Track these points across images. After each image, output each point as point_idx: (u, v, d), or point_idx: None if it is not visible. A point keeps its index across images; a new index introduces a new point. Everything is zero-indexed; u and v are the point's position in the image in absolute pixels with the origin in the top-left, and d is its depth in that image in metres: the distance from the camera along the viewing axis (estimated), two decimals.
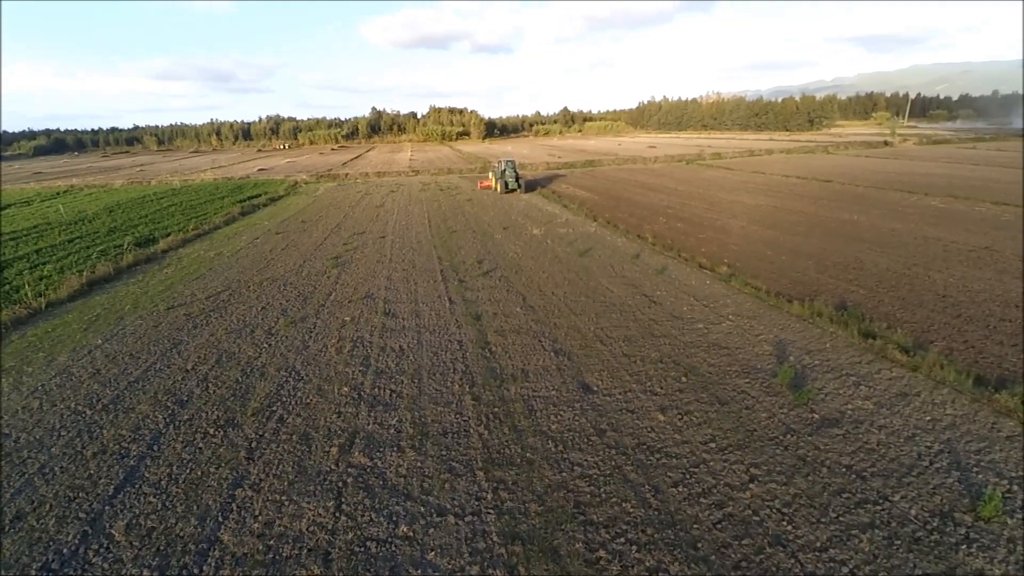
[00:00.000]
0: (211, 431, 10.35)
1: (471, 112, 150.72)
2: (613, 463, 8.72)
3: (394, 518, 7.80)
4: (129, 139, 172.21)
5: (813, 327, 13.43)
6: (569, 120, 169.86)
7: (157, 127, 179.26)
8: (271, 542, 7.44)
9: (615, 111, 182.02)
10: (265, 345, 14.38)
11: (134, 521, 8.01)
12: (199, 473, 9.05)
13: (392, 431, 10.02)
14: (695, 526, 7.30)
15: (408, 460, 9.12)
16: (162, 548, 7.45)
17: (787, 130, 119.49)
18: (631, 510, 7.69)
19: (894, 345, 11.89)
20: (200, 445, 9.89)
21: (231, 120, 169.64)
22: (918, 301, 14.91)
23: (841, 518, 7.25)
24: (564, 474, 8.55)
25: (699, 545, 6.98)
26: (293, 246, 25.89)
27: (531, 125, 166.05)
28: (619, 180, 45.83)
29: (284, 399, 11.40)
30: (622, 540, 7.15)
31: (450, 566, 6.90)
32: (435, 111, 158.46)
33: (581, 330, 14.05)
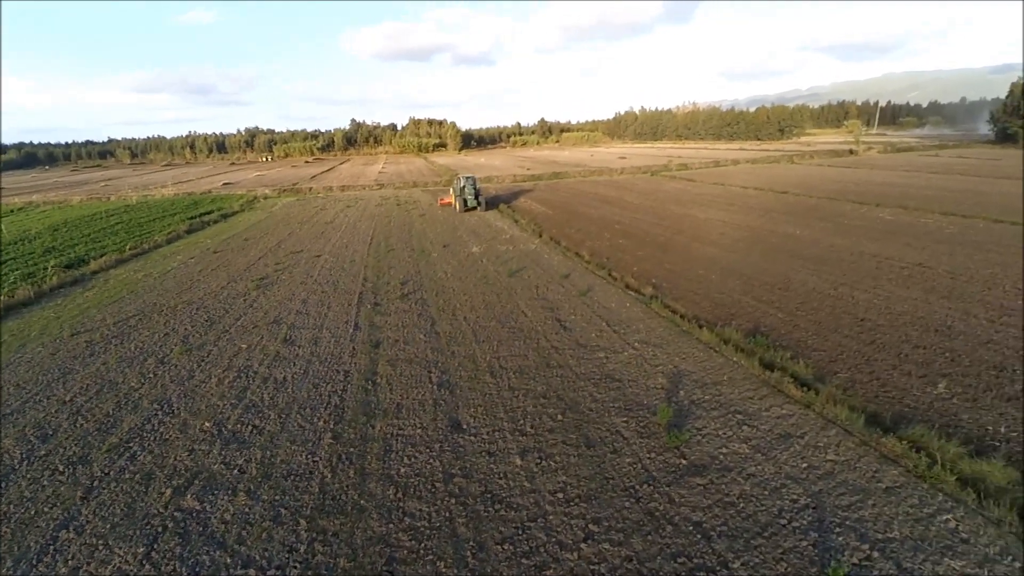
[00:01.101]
0: (61, 468, 9.90)
1: (450, 123, 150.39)
2: (447, 514, 7.94)
3: (197, 568, 7.21)
4: (102, 152, 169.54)
5: (718, 356, 12.75)
6: (546, 131, 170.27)
7: (134, 140, 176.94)
8: None
9: (593, 121, 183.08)
10: (151, 375, 13.67)
11: None
12: (32, 512, 8.67)
13: (235, 472, 9.41)
14: None
15: (237, 505, 8.54)
16: None
17: (758, 139, 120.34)
18: (444, 570, 6.88)
19: (791, 378, 11.22)
20: (44, 483, 9.41)
21: (209, 133, 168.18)
22: (834, 325, 14.30)
23: None
24: (391, 525, 7.80)
25: None
26: (224, 266, 24.94)
27: (509, 136, 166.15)
28: (579, 193, 45.32)
29: (145, 434, 10.85)
30: None
31: None
32: (414, 122, 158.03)
33: (477, 360, 13.26)
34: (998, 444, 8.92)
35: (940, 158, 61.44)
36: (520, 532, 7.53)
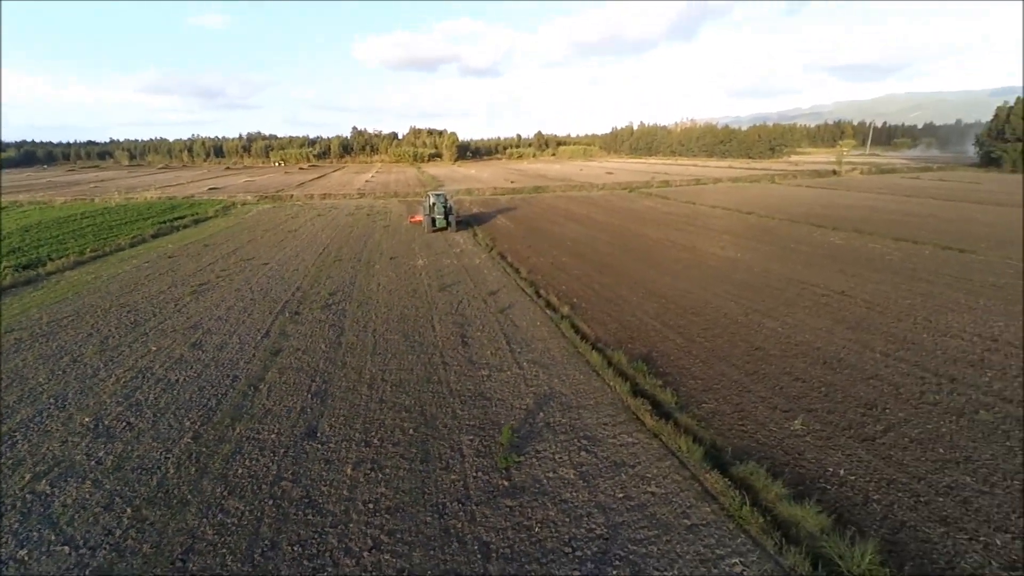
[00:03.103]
0: None
1: (450, 134, 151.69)
2: (259, 514, 8.33)
3: (25, 542, 8.04)
4: (102, 153, 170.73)
5: (596, 380, 12.96)
6: (543, 144, 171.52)
7: (136, 141, 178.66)
8: None
9: (591, 135, 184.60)
10: (60, 372, 14.18)
11: None
12: None
13: (93, 463, 10.03)
14: None
15: (82, 492, 9.21)
16: None
17: (749, 157, 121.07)
18: (229, 563, 7.28)
19: (651, 406, 11.39)
20: None
21: (212, 136, 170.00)
22: (726, 353, 14.49)
23: None
24: (204, 520, 8.37)
25: None
26: (171, 272, 25.32)
27: (505, 148, 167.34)
28: (550, 209, 45.75)
29: (32, 426, 11.42)
30: None
31: None
32: (414, 132, 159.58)
33: (362, 372, 13.54)
34: (828, 487, 8.88)
35: (920, 181, 61.75)
36: (316, 536, 7.79)
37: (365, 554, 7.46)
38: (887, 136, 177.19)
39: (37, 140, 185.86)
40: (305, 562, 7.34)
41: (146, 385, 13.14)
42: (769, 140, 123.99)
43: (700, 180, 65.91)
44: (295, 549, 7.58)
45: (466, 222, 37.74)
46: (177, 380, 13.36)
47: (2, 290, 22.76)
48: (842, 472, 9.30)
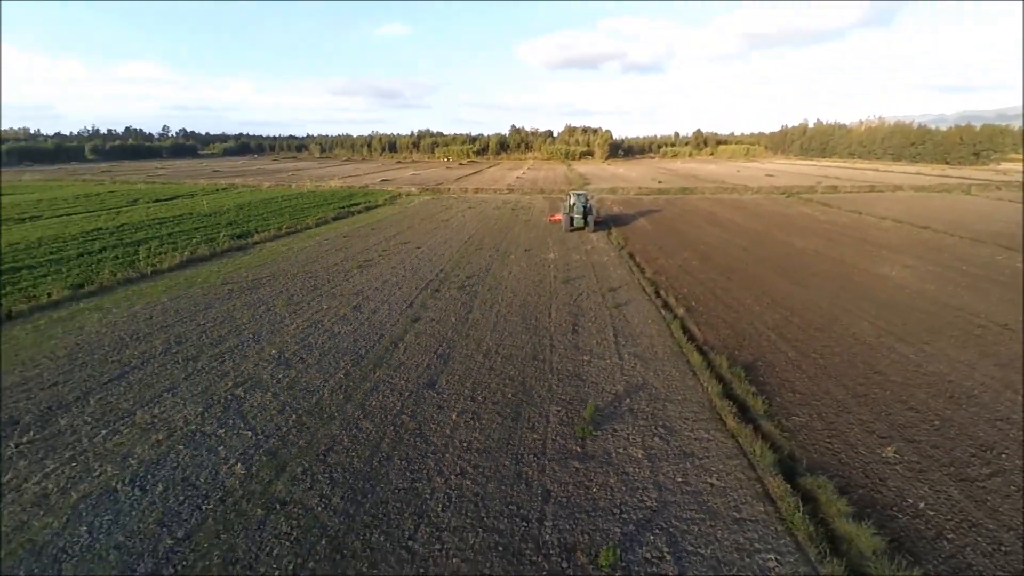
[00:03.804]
0: (180, 361, 14.63)
1: (603, 132, 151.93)
2: (381, 434, 10.57)
3: (222, 426, 10.62)
4: (299, 146, 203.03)
5: (692, 379, 13.51)
6: (701, 142, 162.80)
7: (326, 136, 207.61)
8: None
9: (756, 134, 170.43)
10: (257, 317, 18.58)
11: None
12: (154, 382, 12.99)
13: (274, 381, 13.11)
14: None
15: (264, 399, 12.17)
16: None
17: (946, 163, 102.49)
18: (355, 464, 9.54)
19: (734, 409, 11.73)
20: (168, 368, 13.85)
21: (388, 132, 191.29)
22: (838, 373, 13.91)
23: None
24: (343, 432, 10.65)
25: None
26: (344, 248, 30.30)
27: (659, 147, 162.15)
28: (692, 211, 44.62)
29: (235, 351, 15.21)
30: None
31: None
32: (569, 130, 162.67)
33: (481, 343, 15.67)
34: (899, 516, 8.71)
35: None
36: (420, 458, 9.96)
37: (453, 477, 9.38)
38: None
39: (251, 133, 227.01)
40: (408, 473, 9.48)
41: (316, 333, 16.68)
42: (974, 143, 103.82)
43: (876, 187, 58.51)
44: (402, 463, 9.78)
45: (604, 223, 37.62)
46: (339, 332, 16.72)
47: (223, 252, 29.35)
48: (922, 505, 8.97)
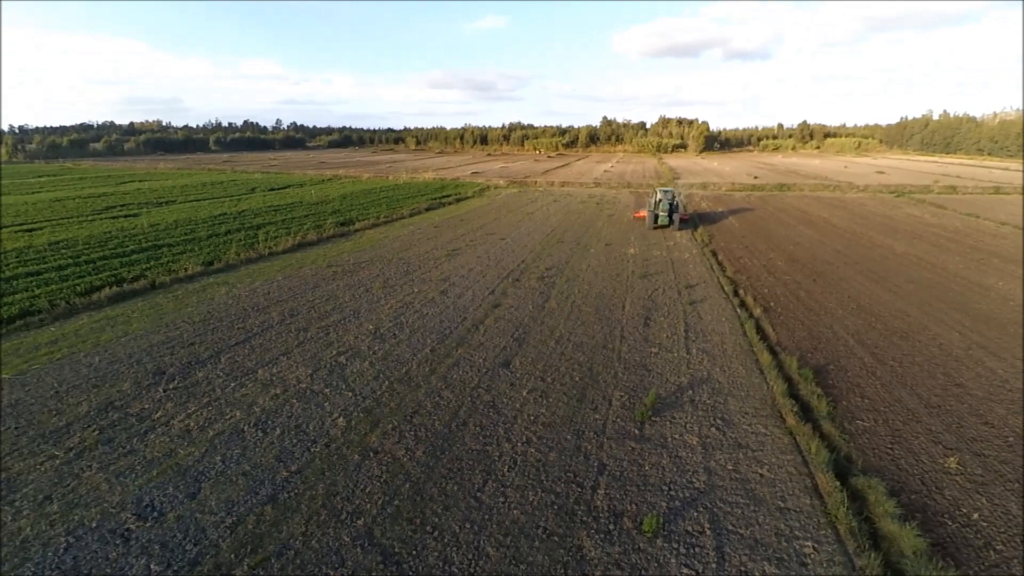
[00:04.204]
0: (293, 331, 16.80)
1: (700, 123, 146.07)
2: (457, 405, 12.04)
3: (327, 386, 12.66)
4: (396, 139, 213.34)
5: (758, 376, 13.81)
6: (807, 135, 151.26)
7: (421, 129, 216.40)
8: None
9: (870, 126, 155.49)
10: (357, 296, 20.76)
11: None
12: (272, 348, 15.32)
13: (371, 353, 14.97)
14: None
15: (362, 367, 14.05)
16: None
17: None
18: (437, 427, 11.07)
19: (796, 408, 11.99)
20: (284, 337, 16.30)
21: (480, 125, 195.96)
22: (914, 382, 13.54)
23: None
24: (425, 401, 12.21)
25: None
26: (435, 238, 32.55)
27: (759, 139, 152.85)
28: (785, 209, 42.64)
29: (338, 325, 17.34)
30: None
31: None
32: (663, 121, 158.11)
33: (554, 330, 16.77)
34: (949, 523, 8.78)
35: None
36: (491, 426, 11.32)
37: (519, 445, 10.63)
38: None
39: (352, 127, 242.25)
40: (481, 438, 10.86)
41: (408, 313, 18.60)
42: None
43: (1002, 188, 52.20)
44: (476, 429, 11.19)
45: (690, 220, 36.90)
46: (427, 313, 18.54)
47: (329, 238, 32.57)
48: (976, 516, 8.92)
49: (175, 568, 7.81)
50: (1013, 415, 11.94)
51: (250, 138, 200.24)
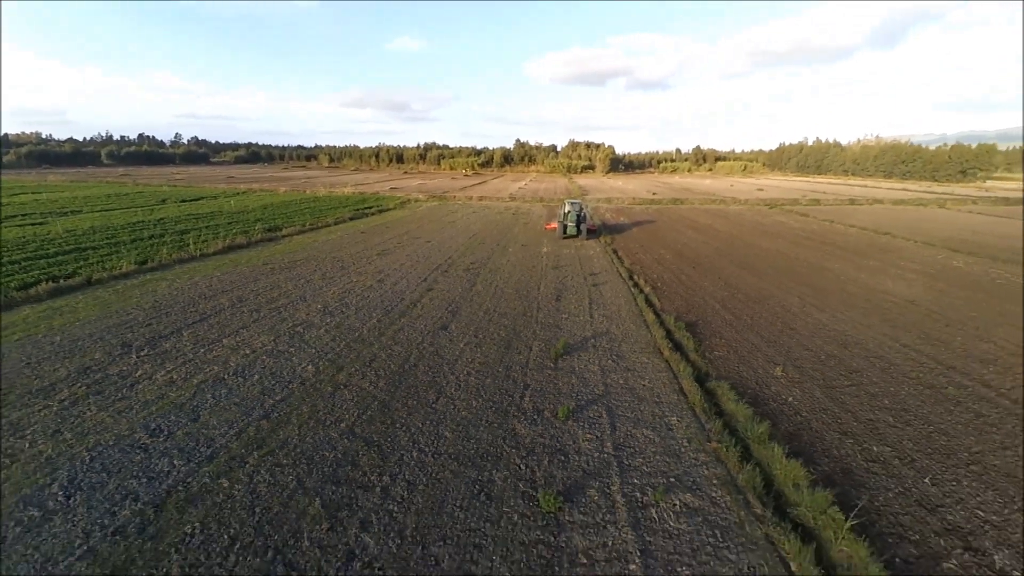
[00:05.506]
0: (247, 312, 18.22)
1: (605, 147, 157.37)
2: (407, 355, 14.55)
3: (290, 348, 14.60)
4: (308, 156, 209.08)
5: (644, 329, 17.53)
6: (700, 159, 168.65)
7: (334, 147, 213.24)
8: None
9: (756, 151, 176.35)
10: (299, 286, 22.31)
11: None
12: (232, 323, 16.76)
13: (323, 323, 16.96)
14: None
15: (317, 335, 15.97)
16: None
17: (934, 180, 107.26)
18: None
19: (671, 345, 15.81)
20: (241, 316, 17.69)
21: (395, 144, 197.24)
22: (759, 328, 17.96)
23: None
24: (381, 351, 14.60)
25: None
26: (363, 241, 34.50)
27: (659, 162, 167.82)
28: (678, 218, 48.87)
29: (287, 307, 19.04)
30: None
31: None
32: (572, 145, 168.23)
33: (482, 304, 19.71)
34: (771, 403, 12.86)
35: None
36: (437, 367, 14.00)
37: (462, 376, 13.43)
38: None
39: (260, 143, 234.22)
40: (430, 372, 13.56)
41: (351, 295, 20.77)
42: (961, 162, 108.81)
43: (856, 200, 62.88)
44: (425, 367, 13.86)
45: (597, 231, 39.84)
46: (369, 296, 20.80)
47: (258, 242, 33.55)
48: (790, 399, 12.93)
49: (196, 462, 9.79)
50: (827, 344, 16.50)
51: (148, 152, 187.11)
